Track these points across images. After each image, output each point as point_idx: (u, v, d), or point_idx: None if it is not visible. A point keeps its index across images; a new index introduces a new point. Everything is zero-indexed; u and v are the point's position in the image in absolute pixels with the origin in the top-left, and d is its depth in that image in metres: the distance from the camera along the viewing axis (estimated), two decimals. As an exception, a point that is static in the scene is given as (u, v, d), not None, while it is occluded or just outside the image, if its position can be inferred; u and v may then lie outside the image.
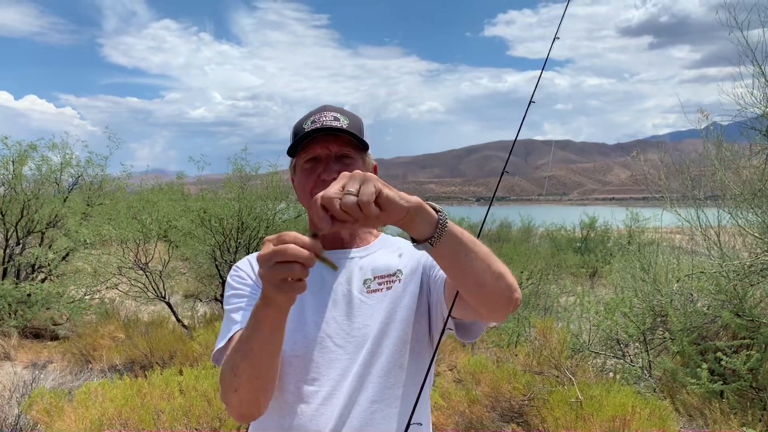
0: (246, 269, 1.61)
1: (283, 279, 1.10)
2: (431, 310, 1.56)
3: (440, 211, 1.20)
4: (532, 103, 1.61)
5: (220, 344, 1.50)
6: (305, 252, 1.09)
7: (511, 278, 1.31)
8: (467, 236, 1.25)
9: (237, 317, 1.50)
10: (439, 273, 1.53)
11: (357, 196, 1.07)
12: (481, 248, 1.27)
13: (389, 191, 1.11)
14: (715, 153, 5.75)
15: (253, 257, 1.65)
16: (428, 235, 1.19)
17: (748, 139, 5.80)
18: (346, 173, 1.12)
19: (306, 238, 1.10)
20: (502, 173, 1.55)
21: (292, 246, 1.08)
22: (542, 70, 1.66)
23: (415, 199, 1.16)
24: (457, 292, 1.36)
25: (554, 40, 1.66)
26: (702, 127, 5.99)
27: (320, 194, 1.09)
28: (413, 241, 1.22)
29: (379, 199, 1.09)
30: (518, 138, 1.57)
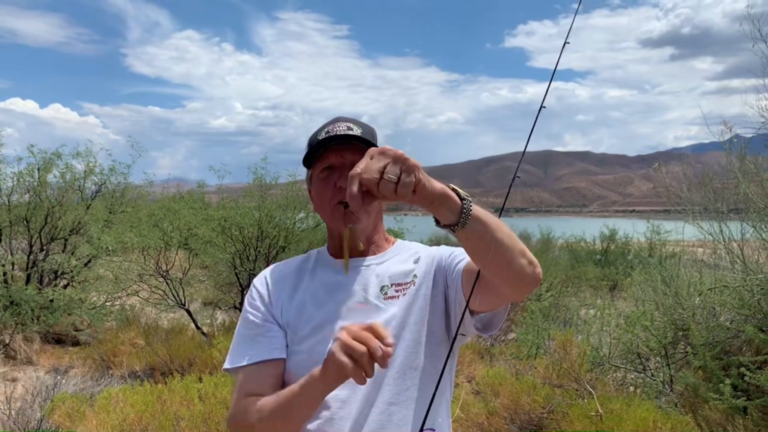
0: (261, 289, 1.64)
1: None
2: (450, 306, 1.57)
3: (465, 199, 1.22)
4: (543, 108, 1.63)
5: (228, 366, 1.59)
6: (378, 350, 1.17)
7: (531, 255, 1.33)
8: (492, 219, 1.26)
9: (245, 350, 1.58)
10: (456, 268, 1.54)
11: (397, 182, 1.11)
12: (504, 227, 1.29)
13: (425, 179, 1.15)
14: (739, 165, 5.68)
15: (269, 271, 1.69)
16: (452, 222, 1.22)
17: (773, 152, 5.73)
18: (377, 149, 1.15)
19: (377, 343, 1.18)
20: (514, 178, 1.57)
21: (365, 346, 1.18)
22: (552, 75, 1.67)
23: (439, 187, 1.18)
24: (475, 283, 1.37)
25: (564, 45, 1.68)
26: (725, 139, 5.93)
27: (360, 172, 1.12)
28: (437, 223, 1.25)
29: (415, 187, 1.13)
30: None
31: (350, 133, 1.55)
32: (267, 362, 1.54)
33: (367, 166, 1.12)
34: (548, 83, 1.66)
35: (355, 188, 1.12)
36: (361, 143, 1.55)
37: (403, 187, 1.11)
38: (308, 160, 1.60)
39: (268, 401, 1.44)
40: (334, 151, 1.56)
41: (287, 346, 1.56)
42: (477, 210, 1.23)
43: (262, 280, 1.66)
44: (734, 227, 5.74)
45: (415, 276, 1.60)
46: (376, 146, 1.57)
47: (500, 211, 1.55)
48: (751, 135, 5.82)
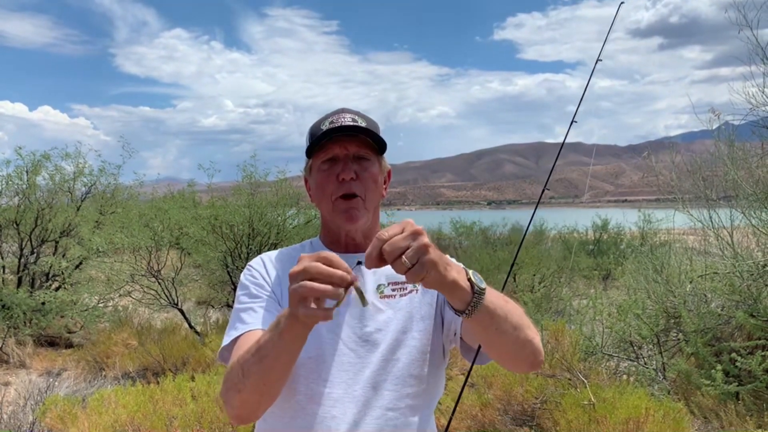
0: (259, 268, 1.59)
1: (303, 298, 1.11)
2: (444, 324, 1.56)
3: (477, 293, 1.22)
4: (574, 123, 1.63)
5: (226, 342, 1.50)
6: (333, 270, 1.11)
7: (538, 342, 1.36)
8: (501, 308, 1.28)
9: (246, 318, 1.49)
10: None
11: (409, 268, 1.12)
12: (513, 317, 1.31)
13: (437, 272, 1.15)
14: (727, 153, 5.70)
15: (266, 255, 1.64)
16: (459, 309, 1.24)
17: (761, 138, 5.76)
18: (413, 227, 1.14)
19: (342, 261, 1.13)
20: (543, 190, 1.57)
21: (317, 264, 1.11)
22: (584, 93, 1.68)
23: (451, 279, 1.18)
24: (475, 357, 1.44)
25: (597, 62, 1.68)
26: (714, 127, 5.95)
27: (385, 240, 1.12)
28: (445, 302, 1.29)
29: (424, 276, 1.14)
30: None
31: (356, 124, 1.51)
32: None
33: (393, 239, 1.12)
34: (579, 101, 1.67)
35: (375, 253, 1.13)
36: (367, 136, 1.52)
37: (412, 275, 1.13)
38: (310, 150, 1.56)
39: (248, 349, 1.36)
40: (338, 142, 1.52)
41: None
42: (488, 301, 1.24)
43: (259, 261, 1.62)
44: (724, 214, 5.77)
45: None
46: (380, 139, 1.54)
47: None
48: (739, 122, 5.85)
